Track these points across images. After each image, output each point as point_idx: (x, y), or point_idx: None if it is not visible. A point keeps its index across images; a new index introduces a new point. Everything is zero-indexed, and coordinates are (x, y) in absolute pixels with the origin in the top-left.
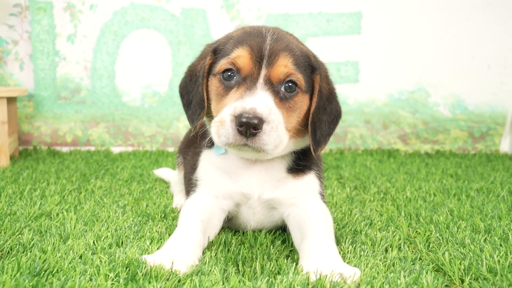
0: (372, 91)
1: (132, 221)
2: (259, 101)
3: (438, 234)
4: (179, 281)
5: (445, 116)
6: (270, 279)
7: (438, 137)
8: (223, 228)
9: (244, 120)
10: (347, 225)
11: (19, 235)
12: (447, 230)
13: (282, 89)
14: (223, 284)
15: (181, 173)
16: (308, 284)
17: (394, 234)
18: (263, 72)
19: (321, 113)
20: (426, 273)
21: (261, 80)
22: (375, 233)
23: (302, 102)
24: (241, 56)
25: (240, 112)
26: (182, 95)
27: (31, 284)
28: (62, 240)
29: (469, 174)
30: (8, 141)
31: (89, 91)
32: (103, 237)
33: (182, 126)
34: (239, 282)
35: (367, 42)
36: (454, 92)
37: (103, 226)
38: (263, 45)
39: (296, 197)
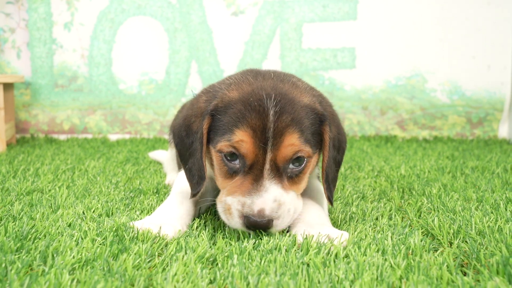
0: (369, 77)
1: (124, 195)
2: (267, 199)
3: (429, 204)
4: (166, 244)
5: (442, 102)
6: (257, 241)
7: (436, 123)
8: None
9: (252, 223)
10: (339, 199)
11: (10, 207)
12: (439, 200)
13: (291, 166)
14: (210, 246)
15: (173, 150)
16: (294, 245)
17: (386, 205)
18: (269, 156)
19: (331, 160)
20: (415, 235)
21: (267, 166)
22: (367, 205)
23: (312, 164)
24: (244, 142)
25: (247, 214)
26: (176, 145)
27: (16, 245)
28: (52, 210)
29: (465, 156)
30: (4, 127)
31: (86, 78)
32: (93, 208)
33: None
34: (225, 244)
35: (363, 27)
36: (451, 78)
37: (94, 199)
38: (267, 123)
39: None
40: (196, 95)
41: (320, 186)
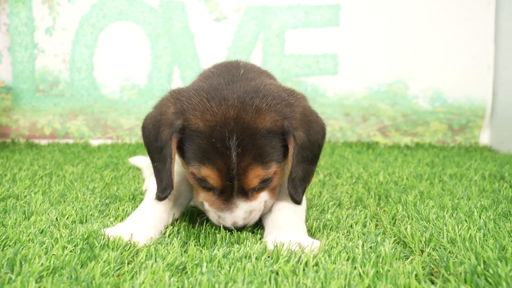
0: (351, 83)
1: (99, 201)
2: (238, 214)
3: (404, 212)
4: (136, 252)
5: (424, 109)
6: (228, 248)
7: (418, 129)
8: (192, 208)
9: (228, 228)
10: (315, 206)
11: None
12: (414, 207)
13: (258, 186)
14: (181, 254)
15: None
16: (265, 253)
17: (361, 212)
18: (236, 185)
19: (298, 166)
20: (386, 243)
21: (235, 191)
22: (342, 212)
23: (279, 175)
24: (210, 178)
25: (223, 224)
26: (145, 143)
27: None
28: (25, 217)
29: (445, 162)
30: None
31: (68, 83)
32: (67, 215)
33: None
34: (197, 251)
35: (346, 34)
36: (433, 85)
37: (69, 205)
38: (230, 165)
39: None
40: (165, 98)
41: None
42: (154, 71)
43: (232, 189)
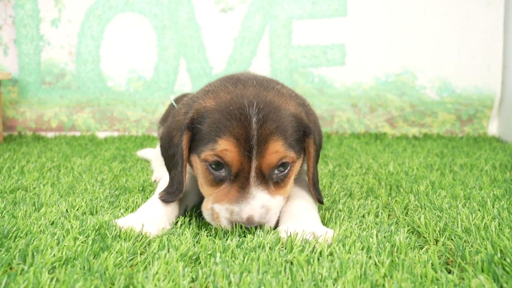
0: (358, 74)
1: (109, 193)
2: (255, 206)
3: (416, 202)
4: (148, 242)
5: (432, 99)
6: (241, 239)
7: (426, 120)
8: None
9: (243, 226)
10: (326, 196)
11: None
12: (426, 197)
13: (276, 172)
14: (194, 244)
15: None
16: (278, 243)
17: (373, 202)
18: (254, 164)
19: (315, 164)
20: (400, 233)
21: (253, 173)
22: (354, 202)
23: (296, 169)
24: (228, 151)
25: (236, 221)
26: (162, 154)
27: None
28: (35, 208)
29: (455, 153)
30: None
31: (74, 76)
32: (77, 206)
33: None
34: (209, 242)
35: (353, 24)
36: (441, 75)
37: (79, 197)
38: (250, 131)
39: None
40: (178, 106)
41: None
42: (161, 63)
43: (249, 171)
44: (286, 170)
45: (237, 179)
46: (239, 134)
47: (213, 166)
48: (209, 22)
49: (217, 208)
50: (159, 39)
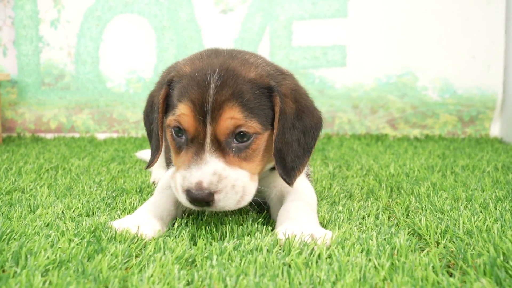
0: (359, 75)
1: (106, 194)
2: (206, 171)
3: (417, 204)
4: (144, 245)
5: (434, 100)
6: (238, 241)
7: (427, 121)
8: None
9: (192, 197)
10: (326, 198)
11: None
12: (427, 199)
13: (234, 141)
14: (190, 246)
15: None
16: (276, 245)
17: (373, 204)
18: (209, 130)
19: (288, 136)
20: (400, 235)
21: (208, 140)
22: (354, 204)
23: (262, 142)
24: (184, 115)
25: (187, 188)
26: (145, 124)
27: None
28: (31, 210)
29: (456, 154)
30: None
31: (73, 77)
32: (73, 208)
33: None
34: (206, 244)
35: (354, 25)
36: (442, 76)
37: (75, 198)
38: (206, 97)
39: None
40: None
41: (309, 185)
42: (160, 64)
43: (204, 137)
44: (249, 141)
45: (192, 145)
46: (196, 99)
47: (176, 132)
48: (209, 23)
49: (176, 176)
50: (158, 40)
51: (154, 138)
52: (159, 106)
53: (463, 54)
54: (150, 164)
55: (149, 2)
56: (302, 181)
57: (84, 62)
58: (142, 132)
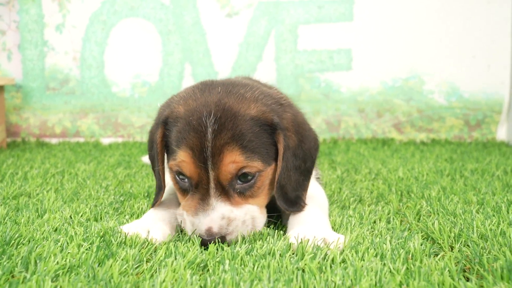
0: (365, 79)
1: (114, 199)
2: (214, 217)
3: (429, 207)
4: (155, 249)
5: (440, 104)
6: (250, 245)
7: (433, 125)
8: None
9: (205, 242)
10: (336, 202)
11: None
12: (438, 202)
13: (238, 182)
14: (201, 251)
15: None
16: (289, 250)
17: (384, 208)
18: (212, 175)
19: (291, 171)
20: (414, 239)
21: (212, 184)
22: (364, 208)
23: (266, 178)
24: (184, 162)
25: (197, 234)
26: (149, 157)
27: None
28: (38, 215)
29: (464, 158)
30: None
31: (78, 81)
32: (81, 213)
33: None
34: (217, 248)
35: (360, 29)
36: (449, 79)
37: (83, 203)
38: (204, 142)
39: None
40: (159, 106)
41: (320, 189)
42: (165, 68)
43: (208, 183)
44: (253, 180)
45: (198, 190)
46: (195, 145)
47: (179, 176)
48: (215, 27)
49: (185, 217)
50: (164, 44)
51: (156, 177)
52: (157, 148)
53: (470, 58)
54: (154, 204)
55: (154, 6)
56: (312, 184)
57: (89, 66)
58: (147, 136)
